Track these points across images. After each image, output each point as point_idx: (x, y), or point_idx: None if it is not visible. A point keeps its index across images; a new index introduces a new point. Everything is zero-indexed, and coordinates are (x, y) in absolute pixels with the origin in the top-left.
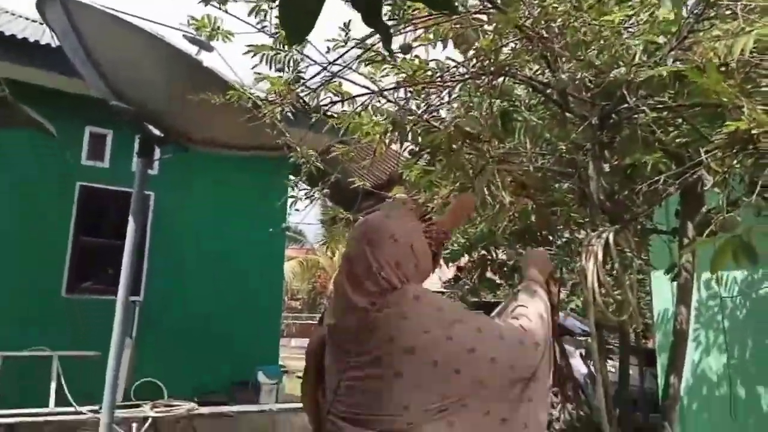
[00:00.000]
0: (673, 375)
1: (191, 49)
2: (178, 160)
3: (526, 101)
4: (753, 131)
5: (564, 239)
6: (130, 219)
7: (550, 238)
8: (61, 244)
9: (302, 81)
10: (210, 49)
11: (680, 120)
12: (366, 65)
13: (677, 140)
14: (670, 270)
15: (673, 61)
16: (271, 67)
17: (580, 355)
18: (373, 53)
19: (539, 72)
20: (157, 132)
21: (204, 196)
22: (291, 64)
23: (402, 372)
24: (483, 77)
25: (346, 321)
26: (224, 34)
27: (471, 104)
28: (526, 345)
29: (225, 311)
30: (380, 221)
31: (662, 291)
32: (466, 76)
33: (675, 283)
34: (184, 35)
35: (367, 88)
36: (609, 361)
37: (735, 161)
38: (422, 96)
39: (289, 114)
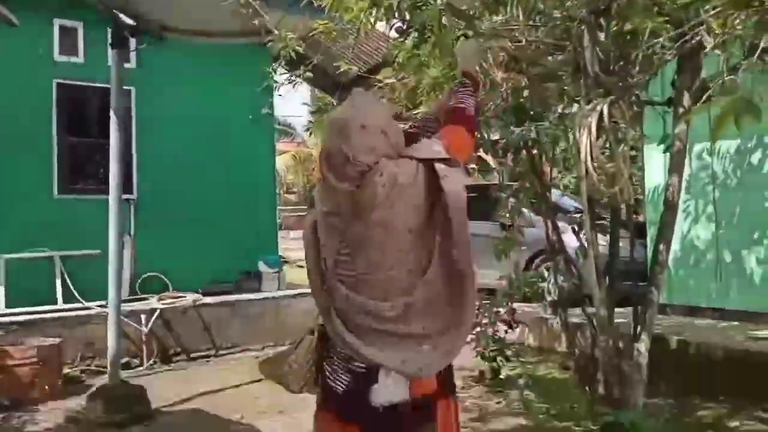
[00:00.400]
0: (662, 243)
1: None
2: (158, 51)
3: None
4: None
5: (557, 114)
6: (112, 115)
7: (544, 113)
8: (45, 144)
9: None
10: None
11: None
12: None
13: (677, 3)
14: (663, 141)
15: None
16: None
17: (573, 230)
18: None
19: None
20: (129, 21)
21: (187, 88)
22: None
23: (389, 223)
24: None
25: (336, 206)
26: None
27: None
28: None
29: (220, 204)
30: (348, 113)
31: (654, 165)
32: None
33: (668, 156)
34: None
35: None
36: (600, 235)
37: (737, 21)
38: None
39: None
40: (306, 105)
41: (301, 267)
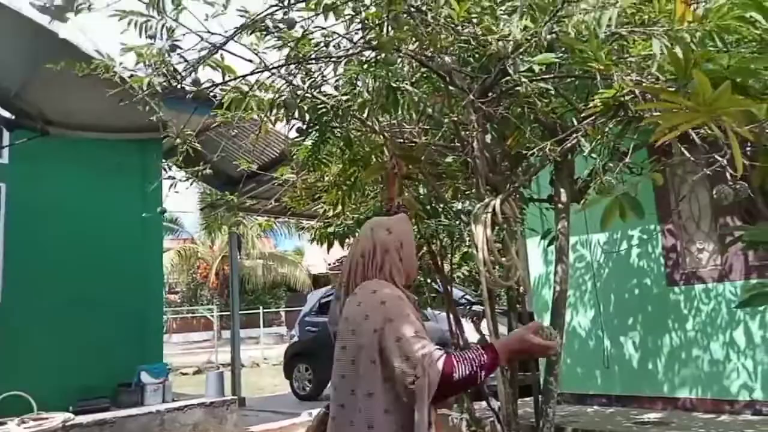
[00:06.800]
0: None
1: (42, 19)
2: (32, 145)
3: (409, 76)
4: (622, 98)
5: (453, 210)
6: None
7: (441, 210)
8: None
9: (178, 51)
10: (64, 19)
11: (554, 92)
12: (249, 34)
13: (552, 114)
14: (545, 235)
15: (549, 34)
16: (141, 35)
17: (472, 321)
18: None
19: (422, 47)
20: (6, 114)
21: (67, 183)
22: (165, 32)
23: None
24: (368, 51)
25: None
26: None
27: (356, 80)
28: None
29: (97, 309)
30: None
31: (533, 256)
32: (350, 51)
33: (547, 248)
34: (30, 2)
35: (250, 60)
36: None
37: (606, 127)
38: (308, 71)
39: (161, 89)
40: (200, 207)
41: (186, 374)
